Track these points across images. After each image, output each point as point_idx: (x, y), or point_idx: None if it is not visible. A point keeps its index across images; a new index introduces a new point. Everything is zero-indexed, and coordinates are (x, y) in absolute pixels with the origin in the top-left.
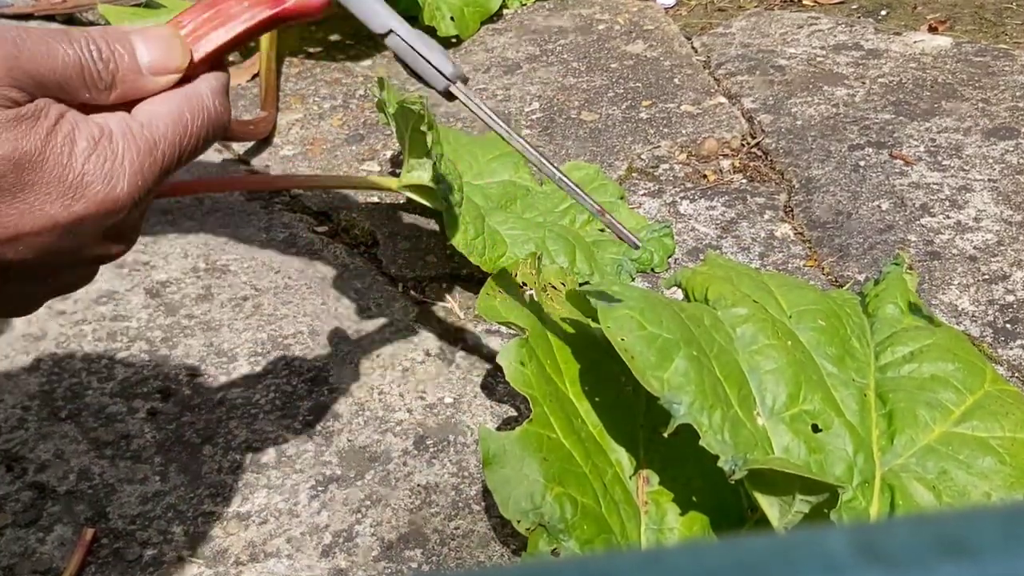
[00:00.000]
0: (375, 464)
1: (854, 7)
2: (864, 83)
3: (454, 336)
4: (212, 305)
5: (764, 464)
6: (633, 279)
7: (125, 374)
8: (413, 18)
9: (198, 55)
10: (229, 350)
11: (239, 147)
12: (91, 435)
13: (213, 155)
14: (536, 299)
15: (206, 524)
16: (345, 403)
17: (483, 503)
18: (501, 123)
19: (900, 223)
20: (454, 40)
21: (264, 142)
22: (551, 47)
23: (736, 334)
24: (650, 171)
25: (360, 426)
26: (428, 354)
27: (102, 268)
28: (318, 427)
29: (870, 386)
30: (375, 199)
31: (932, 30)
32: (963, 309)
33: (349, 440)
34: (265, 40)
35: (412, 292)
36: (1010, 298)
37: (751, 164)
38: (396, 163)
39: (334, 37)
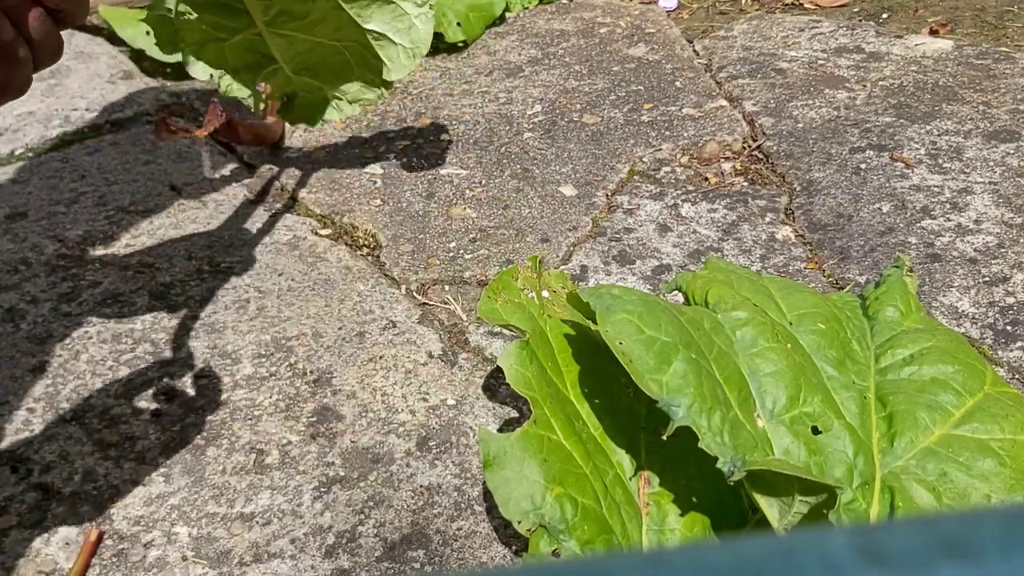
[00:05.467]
0: (378, 465)
1: (855, 10)
2: (865, 86)
3: (457, 338)
4: (216, 307)
5: (762, 465)
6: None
7: (130, 376)
8: None
9: None
10: (233, 352)
11: (245, 153)
12: (96, 436)
13: (219, 159)
14: (537, 302)
15: (210, 525)
16: (348, 405)
17: (485, 504)
18: None
19: (901, 226)
20: (460, 44)
21: (273, 147)
22: (553, 50)
23: (736, 337)
24: (652, 174)
25: (363, 427)
26: (431, 356)
27: (107, 270)
28: (321, 428)
29: (870, 388)
30: (378, 202)
31: (933, 33)
32: (963, 311)
33: (352, 441)
34: None
35: (415, 294)
36: (1010, 300)
37: (752, 167)
38: (402, 164)
39: None
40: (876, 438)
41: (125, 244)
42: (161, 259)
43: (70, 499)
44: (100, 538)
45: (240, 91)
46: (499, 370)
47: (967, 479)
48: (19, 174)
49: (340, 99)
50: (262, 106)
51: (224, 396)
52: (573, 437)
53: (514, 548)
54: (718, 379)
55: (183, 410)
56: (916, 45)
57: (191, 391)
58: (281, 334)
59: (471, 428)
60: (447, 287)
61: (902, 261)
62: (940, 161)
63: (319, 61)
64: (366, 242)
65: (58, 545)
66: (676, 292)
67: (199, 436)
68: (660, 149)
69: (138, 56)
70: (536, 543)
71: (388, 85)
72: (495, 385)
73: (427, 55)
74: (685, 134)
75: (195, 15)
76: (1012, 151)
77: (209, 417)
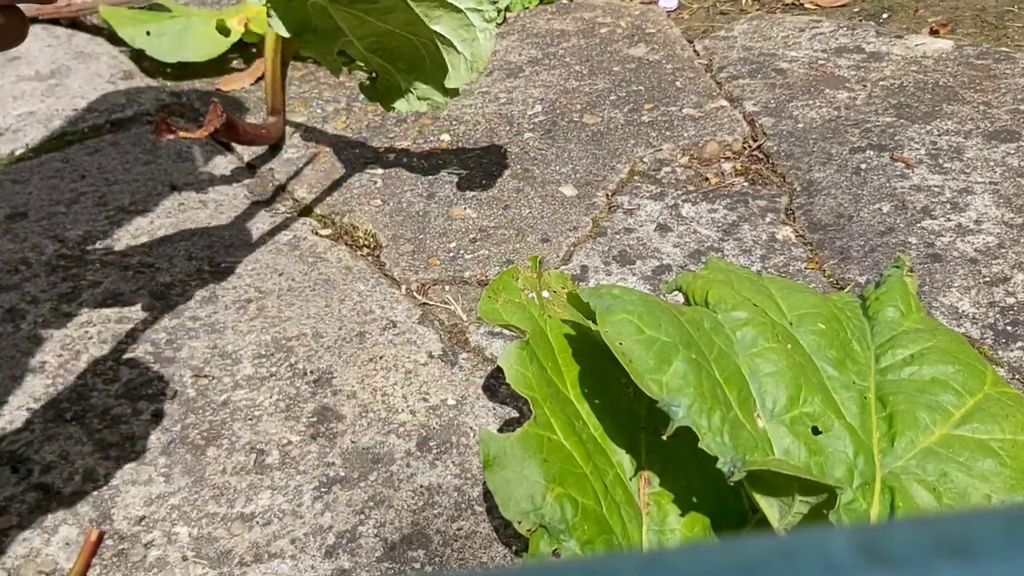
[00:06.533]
0: (378, 465)
1: (855, 10)
2: (865, 86)
3: (457, 338)
4: (216, 307)
5: (762, 465)
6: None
7: (130, 376)
8: None
9: None
10: (233, 352)
11: (245, 153)
12: (96, 436)
13: (219, 159)
14: (537, 302)
15: (210, 525)
16: (348, 405)
17: (485, 504)
18: None
19: (901, 226)
20: None
21: (273, 147)
22: (553, 50)
23: (736, 337)
24: (652, 174)
25: (363, 427)
26: (431, 356)
27: (107, 270)
28: (322, 428)
29: (871, 388)
30: (378, 202)
31: (933, 33)
32: (964, 311)
33: (352, 441)
34: (269, 44)
35: (415, 294)
36: (1011, 300)
37: (752, 167)
38: (402, 164)
39: None
40: (876, 438)
41: (125, 244)
42: (161, 259)
43: (70, 499)
44: (100, 538)
45: (320, 53)
46: (499, 370)
47: (967, 479)
48: (19, 174)
49: (412, 92)
50: (343, 71)
51: (224, 396)
52: (573, 437)
53: (514, 548)
54: (718, 379)
55: (183, 410)
56: (916, 45)
57: (191, 391)
58: (281, 334)
59: (471, 428)
60: (447, 287)
61: (902, 261)
62: (940, 161)
63: (394, 47)
64: (366, 242)
65: (58, 545)
66: (676, 292)
67: (199, 436)
68: (660, 149)
69: (138, 56)
70: (536, 543)
71: (455, 92)
72: (495, 385)
73: None
74: (685, 134)
75: None
76: (1012, 151)
77: (209, 417)
